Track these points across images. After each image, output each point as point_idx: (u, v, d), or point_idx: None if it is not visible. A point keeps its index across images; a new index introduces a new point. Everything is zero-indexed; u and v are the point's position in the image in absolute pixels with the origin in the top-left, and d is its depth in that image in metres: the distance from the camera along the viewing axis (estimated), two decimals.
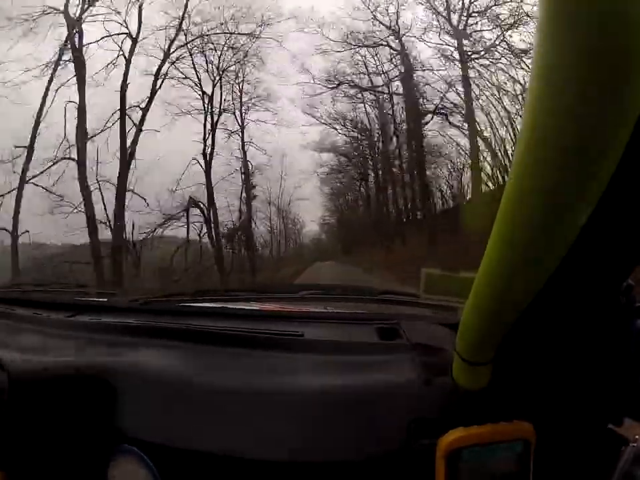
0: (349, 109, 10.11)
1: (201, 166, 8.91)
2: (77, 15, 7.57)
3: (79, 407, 0.49)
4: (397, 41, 8.87)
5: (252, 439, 0.45)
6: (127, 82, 7.83)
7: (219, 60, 8.92)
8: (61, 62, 7.56)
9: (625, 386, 0.41)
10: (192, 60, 8.66)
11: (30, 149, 7.25)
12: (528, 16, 7.29)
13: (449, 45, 8.32)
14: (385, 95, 9.64)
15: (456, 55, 8.25)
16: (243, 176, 9.67)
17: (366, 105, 10.02)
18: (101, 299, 0.92)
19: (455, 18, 8.25)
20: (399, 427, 0.42)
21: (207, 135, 9.01)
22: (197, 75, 8.84)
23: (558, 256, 0.27)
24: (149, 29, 8.05)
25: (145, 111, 8.07)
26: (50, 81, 7.50)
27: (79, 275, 6.75)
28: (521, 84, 7.50)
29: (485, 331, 0.36)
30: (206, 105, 8.99)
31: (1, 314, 0.80)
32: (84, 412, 0.49)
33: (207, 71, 8.83)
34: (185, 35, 8.41)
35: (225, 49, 8.83)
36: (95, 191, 7.45)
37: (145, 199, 7.91)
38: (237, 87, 9.20)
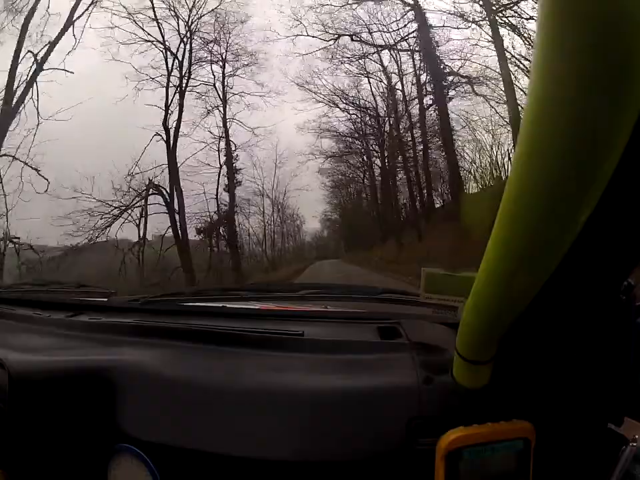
0: (350, 83, 8.31)
1: (163, 139, 7.33)
2: None
3: (79, 406, 0.49)
4: None
5: (252, 438, 0.45)
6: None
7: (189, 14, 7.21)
8: None
9: (625, 386, 0.41)
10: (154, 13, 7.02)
11: None
12: None
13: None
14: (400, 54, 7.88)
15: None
16: (224, 157, 7.92)
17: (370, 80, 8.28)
18: (100, 299, 0.92)
19: None
20: (399, 426, 0.42)
21: (170, 101, 7.36)
22: (160, 30, 7.16)
23: (558, 256, 0.27)
24: None
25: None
26: None
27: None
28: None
29: (485, 331, 0.36)
30: (170, 66, 7.26)
31: (1, 314, 0.80)
32: (84, 411, 0.49)
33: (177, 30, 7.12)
34: None
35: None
36: None
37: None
38: (219, 50, 7.53)
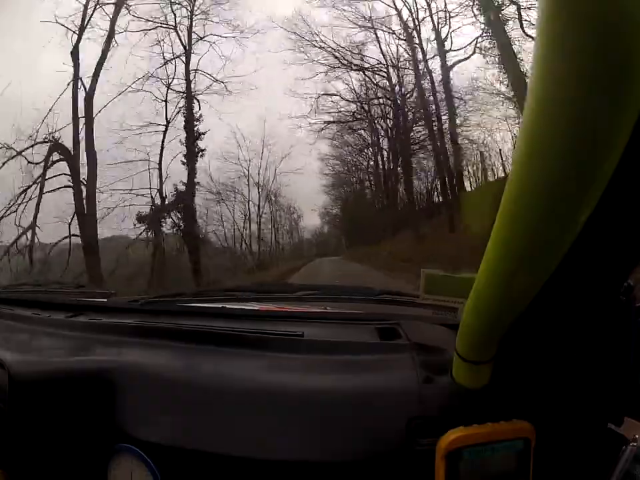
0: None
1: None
2: None
3: (79, 406, 0.49)
4: None
5: (252, 439, 0.45)
6: None
7: None
8: None
9: (625, 386, 0.41)
10: None
11: None
12: None
13: None
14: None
15: None
16: (184, 123, 5.58)
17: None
18: (100, 299, 0.92)
19: None
20: (399, 426, 0.42)
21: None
22: None
23: (558, 256, 0.27)
24: None
25: None
26: None
27: None
28: None
29: (485, 331, 0.37)
30: None
31: (1, 314, 0.80)
32: (84, 411, 0.49)
33: None
34: None
35: None
36: None
37: None
38: None
